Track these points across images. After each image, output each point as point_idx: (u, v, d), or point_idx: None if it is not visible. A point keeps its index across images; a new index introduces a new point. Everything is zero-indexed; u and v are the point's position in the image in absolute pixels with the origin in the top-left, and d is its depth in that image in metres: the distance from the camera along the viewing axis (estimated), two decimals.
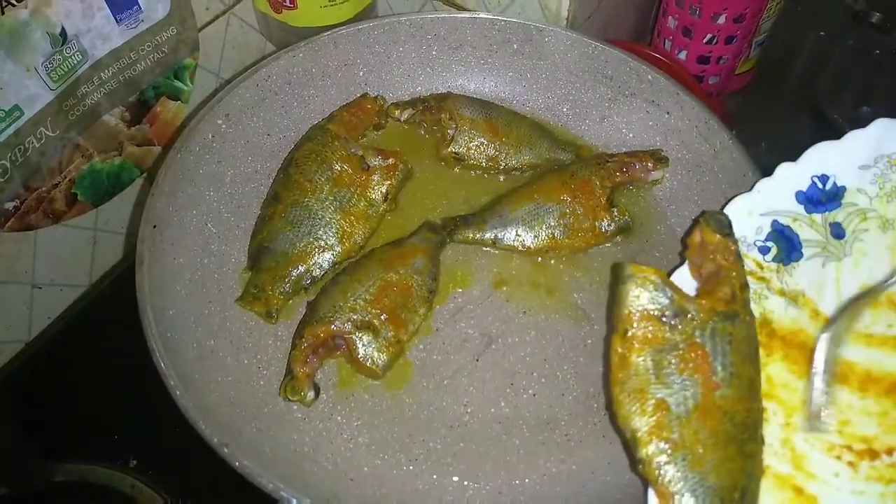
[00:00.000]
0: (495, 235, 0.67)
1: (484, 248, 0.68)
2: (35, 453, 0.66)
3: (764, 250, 0.58)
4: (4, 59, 0.60)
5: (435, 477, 0.56)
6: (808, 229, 0.59)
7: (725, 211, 0.58)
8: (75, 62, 0.66)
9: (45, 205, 0.70)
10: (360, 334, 0.60)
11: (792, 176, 0.59)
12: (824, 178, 0.59)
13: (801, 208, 0.59)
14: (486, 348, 0.62)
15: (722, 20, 0.82)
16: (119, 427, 0.67)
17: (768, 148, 0.93)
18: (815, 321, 0.57)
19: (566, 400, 0.60)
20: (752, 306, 0.54)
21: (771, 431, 0.54)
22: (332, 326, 0.59)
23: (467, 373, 0.61)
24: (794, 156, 0.90)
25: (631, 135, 0.74)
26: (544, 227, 0.67)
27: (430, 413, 0.59)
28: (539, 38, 0.74)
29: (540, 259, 0.68)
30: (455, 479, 0.56)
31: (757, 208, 0.59)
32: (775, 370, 0.56)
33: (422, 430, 0.58)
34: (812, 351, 0.56)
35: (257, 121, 0.72)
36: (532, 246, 0.67)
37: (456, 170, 0.74)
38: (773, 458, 0.53)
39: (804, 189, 0.59)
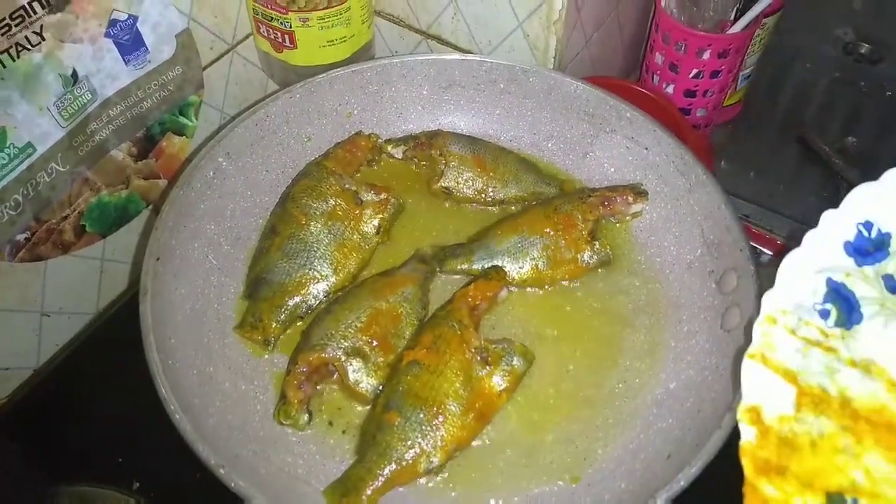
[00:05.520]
0: (482, 266, 0.69)
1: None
2: (41, 476, 0.67)
3: (824, 314, 0.51)
4: (19, 100, 0.62)
5: (424, 498, 0.58)
6: (863, 285, 0.51)
7: (780, 272, 0.51)
8: (85, 101, 0.68)
9: (54, 236, 0.71)
10: (351, 360, 0.61)
11: (837, 224, 0.51)
12: (868, 225, 0.51)
13: (851, 261, 0.51)
14: None
15: (707, 55, 0.84)
16: (122, 450, 0.68)
17: (756, 178, 0.95)
18: (895, 394, 0.48)
19: (548, 424, 0.61)
20: (827, 383, 0.49)
21: None
22: (324, 353, 0.61)
23: None
24: (780, 185, 0.93)
25: (612, 169, 0.76)
26: (528, 258, 0.68)
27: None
28: (524, 78, 0.76)
29: (525, 290, 0.69)
30: (441, 499, 0.57)
31: (809, 265, 0.51)
32: (872, 461, 0.47)
33: None
34: None
35: (256, 158, 0.73)
36: (516, 277, 0.68)
37: (446, 203, 0.75)
38: None
39: (851, 239, 0.51)
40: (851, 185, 0.85)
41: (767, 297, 0.51)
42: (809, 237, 0.51)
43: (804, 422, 0.49)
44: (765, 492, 0.47)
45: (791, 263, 0.51)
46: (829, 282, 0.51)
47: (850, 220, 0.51)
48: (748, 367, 0.50)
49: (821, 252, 0.51)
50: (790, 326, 0.51)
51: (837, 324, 0.51)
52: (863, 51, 1.08)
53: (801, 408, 0.49)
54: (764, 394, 0.50)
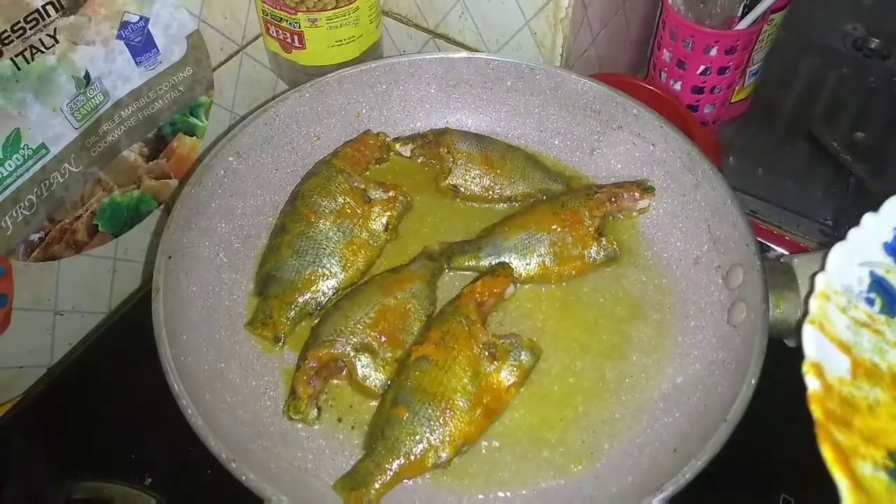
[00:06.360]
0: (489, 263, 0.69)
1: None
2: (56, 472, 0.68)
3: (870, 302, 0.54)
4: (33, 102, 0.63)
5: (431, 492, 0.58)
6: None
7: (829, 259, 0.55)
8: (97, 102, 0.69)
9: (67, 236, 0.72)
10: (360, 356, 0.62)
11: (875, 226, 0.56)
12: None
13: (890, 260, 0.56)
14: None
15: (714, 52, 0.85)
16: (135, 446, 0.68)
17: (764, 174, 0.96)
18: None
19: (556, 418, 0.62)
20: (878, 360, 0.52)
21: None
22: (334, 349, 0.61)
23: None
24: (789, 181, 0.93)
25: (619, 166, 0.76)
26: (535, 255, 0.69)
27: None
28: (531, 76, 0.76)
29: (532, 286, 0.69)
30: (450, 493, 0.58)
31: (854, 258, 0.55)
32: None
33: None
34: None
35: (266, 157, 0.74)
36: (524, 273, 0.68)
37: (454, 201, 0.76)
38: None
39: (889, 241, 0.56)
40: (860, 181, 0.87)
41: (819, 277, 0.54)
42: (853, 234, 0.55)
43: (861, 388, 0.51)
44: (836, 436, 0.48)
45: (837, 253, 0.55)
46: (872, 274, 0.55)
47: (888, 224, 0.55)
48: (808, 331, 0.52)
49: (863, 248, 0.55)
50: (841, 305, 0.54)
51: (882, 312, 0.54)
52: (872, 46, 1.08)
53: (856, 377, 0.52)
54: (823, 358, 0.52)
